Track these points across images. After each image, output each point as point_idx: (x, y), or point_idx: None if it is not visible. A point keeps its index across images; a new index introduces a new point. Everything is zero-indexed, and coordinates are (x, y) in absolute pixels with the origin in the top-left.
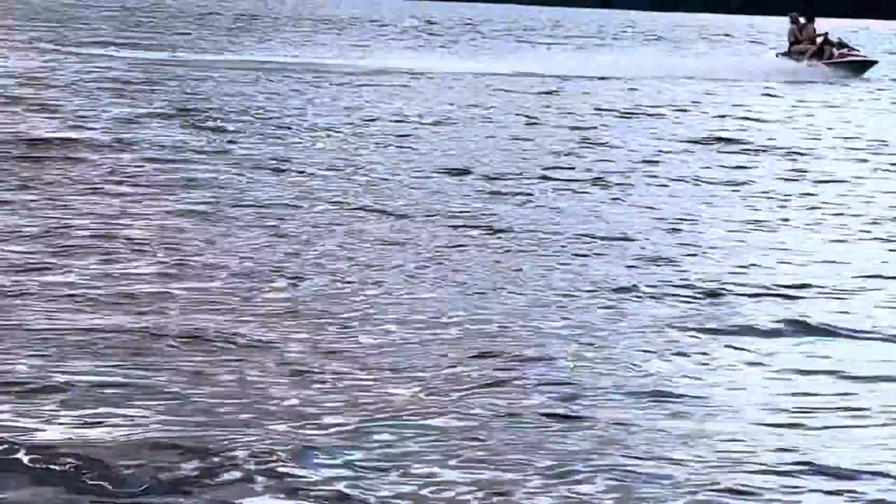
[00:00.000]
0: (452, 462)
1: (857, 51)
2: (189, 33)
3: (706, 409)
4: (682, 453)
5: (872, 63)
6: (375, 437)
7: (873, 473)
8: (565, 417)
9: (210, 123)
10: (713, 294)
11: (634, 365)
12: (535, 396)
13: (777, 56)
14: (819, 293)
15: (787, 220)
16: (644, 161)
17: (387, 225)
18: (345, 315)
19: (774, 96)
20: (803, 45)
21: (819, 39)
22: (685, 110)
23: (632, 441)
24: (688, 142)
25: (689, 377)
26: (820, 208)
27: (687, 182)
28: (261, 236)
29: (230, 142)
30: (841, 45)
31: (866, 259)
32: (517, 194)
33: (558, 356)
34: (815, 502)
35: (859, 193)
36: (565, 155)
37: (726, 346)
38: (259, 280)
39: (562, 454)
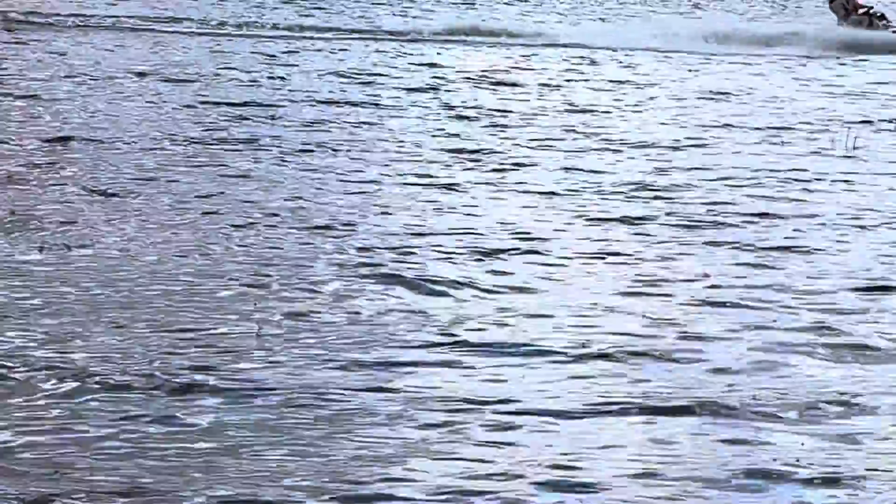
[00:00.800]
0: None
1: (892, 22)
2: None
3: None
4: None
5: None
6: None
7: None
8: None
9: None
10: (402, 256)
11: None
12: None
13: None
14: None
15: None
16: (307, 123)
17: None
18: None
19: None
20: (857, 17)
21: (861, 11)
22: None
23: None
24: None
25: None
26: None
27: (342, 146)
28: None
29: None
30: (882, 17)
31: (525, 221)
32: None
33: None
34: None
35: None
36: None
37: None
38: None
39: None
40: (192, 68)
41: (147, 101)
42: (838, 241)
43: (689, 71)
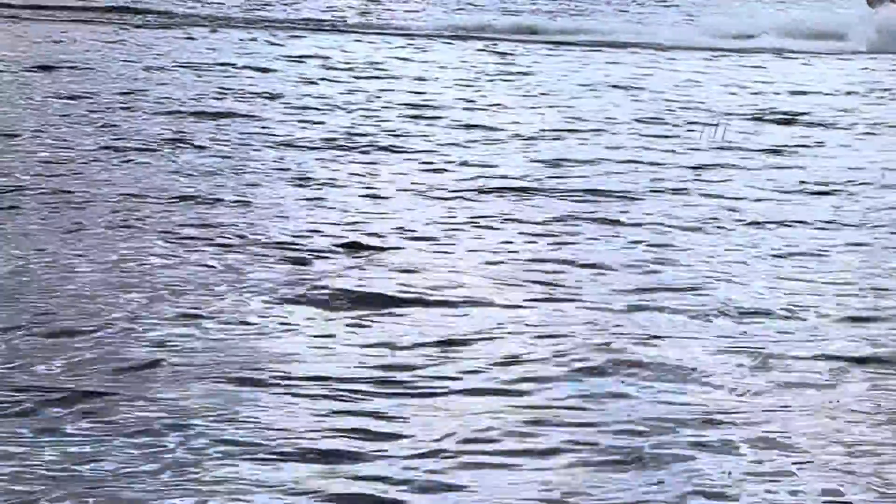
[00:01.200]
0: None
1: None
2: None
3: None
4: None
5: None
6: None
7: None
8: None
9: None
10: (264, 249)
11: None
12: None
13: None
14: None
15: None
16: (176, 114)
17: None
18: None
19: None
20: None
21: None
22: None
23: None
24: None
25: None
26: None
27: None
28: None
29: None
30: None
31: (397, 215)
32: None
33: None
34: None
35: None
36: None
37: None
38: None
39: None
40: (62, 57)
41: (15, 92)
42: (710, 233)
43: (567, 64)
